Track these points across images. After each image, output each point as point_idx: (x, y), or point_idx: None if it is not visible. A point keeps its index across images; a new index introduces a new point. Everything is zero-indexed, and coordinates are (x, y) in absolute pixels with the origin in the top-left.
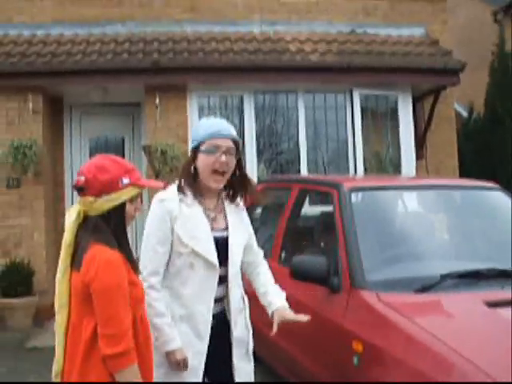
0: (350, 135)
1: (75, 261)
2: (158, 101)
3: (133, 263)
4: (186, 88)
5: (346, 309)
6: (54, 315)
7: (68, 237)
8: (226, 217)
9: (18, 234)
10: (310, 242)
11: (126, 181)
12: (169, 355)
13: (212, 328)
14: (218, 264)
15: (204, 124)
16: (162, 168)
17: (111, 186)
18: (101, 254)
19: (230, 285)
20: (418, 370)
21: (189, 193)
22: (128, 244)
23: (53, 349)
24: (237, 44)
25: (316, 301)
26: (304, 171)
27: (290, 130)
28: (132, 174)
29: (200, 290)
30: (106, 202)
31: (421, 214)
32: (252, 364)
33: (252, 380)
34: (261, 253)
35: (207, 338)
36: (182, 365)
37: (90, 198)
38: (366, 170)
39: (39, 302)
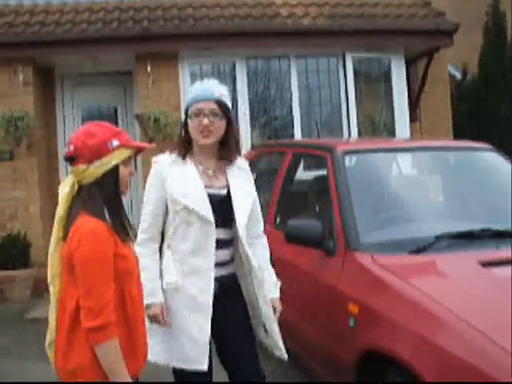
0: (343, 99)
1: (65, 231)
2: (149, 69)
3: (124, 234)
4: (178, 55)
5: (342, 271)
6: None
7: (60, 210)
8: (226, 177)
9: (13, 207)
10: (304, 205)
11: (115, 143)
12: (146, 309)
13: (223, 291)
14: (212, 219)
15: (192, 88)
16: (156, 136)
17: (101, 150)
18: (85, 224)
19: (239, 244)
20: (413, 331)
21: (187, 155)
22: (120, 213)
23: None
24: (227, 10)
25: (311, 264)
26: (298, 136)
27: (283, 95)
28: (120, 135)
29: (198, 245)
30: (99, 167)
31: (415, 176)
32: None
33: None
34: (261, 224)
35: (210, 293)
36: (153, 320)
37: (82, 166)
38: (359, 133)
39: (37, 273)
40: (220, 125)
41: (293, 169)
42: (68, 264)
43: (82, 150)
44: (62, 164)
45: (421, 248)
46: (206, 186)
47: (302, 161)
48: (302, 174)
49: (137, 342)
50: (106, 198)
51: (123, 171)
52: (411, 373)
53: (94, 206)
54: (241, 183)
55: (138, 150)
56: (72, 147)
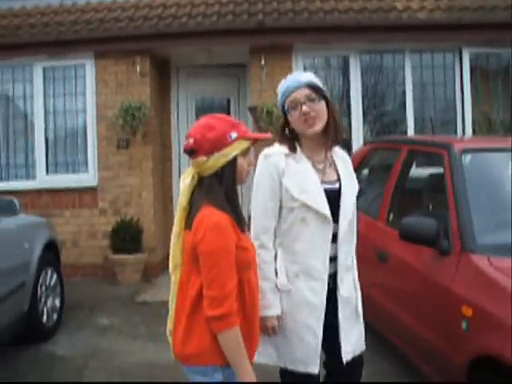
0: (458, 95)
1: (188, 221)
2: (263, 62)
3: (242, 225)
4: (291, 48)
5: (456, 272)
6: (160, 272)
7: (182, 200)
8: (336, 169)
9: (127, 194)
10: (418, 203)
11: (234, 135)
12: (263, 320)
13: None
14: (331, 217)
15: (279, 87)
16: (268, 128)
17: (221, 142)
18: (210, 216)
19: (339, 240)
20: None
21: (296, 149)
22: (239, 204)
23: (160, 303)
24: (342, 3)
25: (424, 263)
26: (410, 132)
27: (396, 91)
28: (239, 127)
29: (313, 245)
30: (219, 159)
31: None
32: (361, 325)
33: (360, 342)
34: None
35: (324, 296)
36: (270, 332)
37: (202, 158)
38: (474, 131)
39: (147, 258)
40: (320, 107)
41: (407, 165)
42: (192, 253)
43: (202, 142)
44: (174, 153)
45: None
46: (321, 182)
47: (417, 158)
48: (417, 171)
49: (253, 329)
50: (226, 189)
51: (242, 162)
52: None
53: (216, 198)
54: (348, 175)
55: (254, 142)
56: (191, 140)
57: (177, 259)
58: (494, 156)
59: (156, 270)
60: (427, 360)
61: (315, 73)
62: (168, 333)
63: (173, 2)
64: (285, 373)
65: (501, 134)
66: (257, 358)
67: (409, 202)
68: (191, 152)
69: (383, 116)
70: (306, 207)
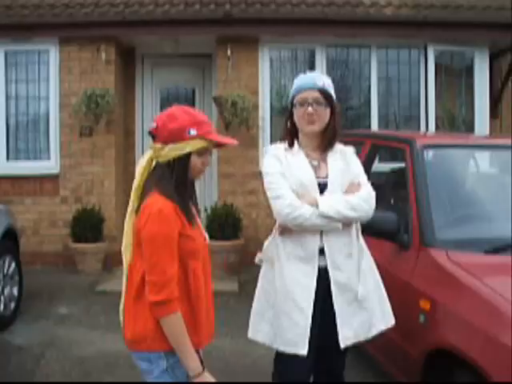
0: (422, 92)
1: (138, 205)
2: (229, 52)
3: (189, 216)
4: (258, 40)
5: (415, 266)
6: (122, 261)
7: (137, 180)
8: (327, 166)
9: (89, 182)
10: (380, 197)
11: (193, 132)
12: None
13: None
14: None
15: (296, 80)
16: (233, 119)
17: (178, 135)
18: (154, 203)
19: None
20: (485, 332)
21: (294, 144)
22: (187, 197)
23: (120, 293)
24: None
25: (385, 257)
26: (374, 127)
27: (361, 85)
28: (201, 126)
29: (304, 232)
30: (171, 151)
31: (494, 175)
32: (367, 312)
33: (364, 329)
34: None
35: (314, 278)
36: None
37: (158, 145)
38: (437, 127)
39: (108, 247)
40: (324, 113)
41: (370, 160)
42: (137, 238)
43: (161, 130)
44: (138, 142)
45: (497, 248)
46: (316, 177)
47: (380, 152)
48: (379, 166)
49: (199, 317)
50: (175, 181)
51: (196, 160)
52: (479, 372)
53: (164, 187)
54: (341, 168)
55: (219, 144)
56: (154, 125)
57: (128, 238)
58: (456, 152)
59: (117, 259)
60: (386, 354)
61: (281, 65)
62: (120, 312)
63: None
64: (277, 358)
65: (463, 131)
66: (255, 336)
67: None
68: (152, 136)
69: (348, 110)
70: (299, 197)
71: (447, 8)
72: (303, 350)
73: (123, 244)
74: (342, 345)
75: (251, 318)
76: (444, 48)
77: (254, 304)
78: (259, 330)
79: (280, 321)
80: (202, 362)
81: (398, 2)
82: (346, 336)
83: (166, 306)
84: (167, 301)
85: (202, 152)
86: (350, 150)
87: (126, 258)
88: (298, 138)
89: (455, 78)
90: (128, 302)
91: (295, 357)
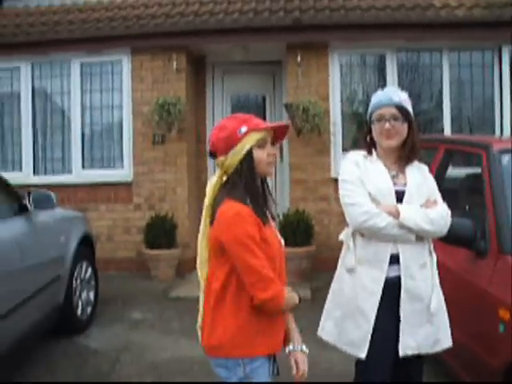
0: (497, 95)
1: (212, 217)
2: (299, 59)
3: (264, 218)
4: (328, 45)
5: (493, 274)
6: (194, 268)
7: (207, 199)
8: (405, 175)
9: (162, 189)
10: (455, 204)
11: (243, 129)
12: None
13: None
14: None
15: (373, 96)
16: (304, 126)
17: (232, 140)
18: (230, 208)
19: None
20: None
21: (373, 153)
22: (260, 197)
23: (193, 299)
24: (379, 0)
25: (461, 264)
26: (447, 131)
27: (432, 89)
28: (249, 121)
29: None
30: (235, 155)
31: None
32: (435, 326)
33: (429, 342)
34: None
35: (381, 283)
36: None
37: (221, 158)
38: None
39: (181, 254)
40: (402, 128)
41: (444, 165)
42: (215, 247)
43: (217, 143)
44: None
45: None
46: (393, 184)
47: (454, 157)
48: (453, 171)
49: (275, 321)
50: (245, 183)
51: (259, 154)
52: None
53: (236, 193)
54: (418, 179)
55: (279, 133)
56: (211, 143)
57: (203, 256)
58: None
59: (190, 265)
60: (463, 364)
61: (351, 70)
62: (198, 328)
63: None
64: (357, 368)
65: None
66: (321, 333)
67: (446, 202)
68: (213, 155)
69: (419, 115)
70: (376, 203)
71: None
72: (362, 354)
73: (198, 260)
74: (401, 353)
75: (322, 316)
76: None
77: (326, 303)
78: (325, 327)
79: (344, 322)
80: (278, 370)
81: (470, 2)
82: (408, 345)
83: (277, 299)
84: (275, 296)
85: (261, 144)
86: (426, 168)
87: (202, 275)
88: (376, 150)
89: None
90: (207, 310)
91: (377, 363)
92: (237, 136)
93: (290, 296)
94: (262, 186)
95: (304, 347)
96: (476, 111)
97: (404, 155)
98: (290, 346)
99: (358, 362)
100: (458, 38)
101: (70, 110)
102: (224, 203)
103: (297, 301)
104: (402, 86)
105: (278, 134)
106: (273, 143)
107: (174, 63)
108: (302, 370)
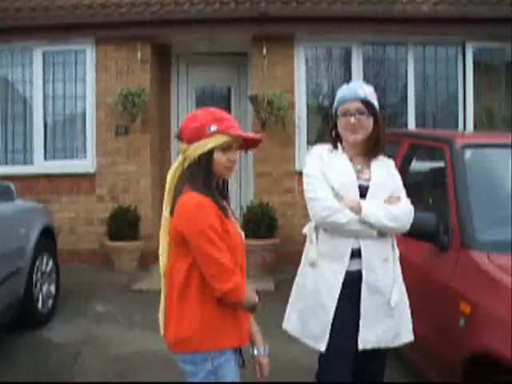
0: (460, 90)
1: (172, 207)
2: (264, 51)
3: (224, 210)
4: (293, 38)
5: (455, 268)
6: (157, 260)
7: (168, 184)
8: (370, 170)
9: (125, 180)
10: (418, 198)
11: (213, 128)
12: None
13: (349, 281)
14: None
15: (338, 91)
16: (268, 118)
17: (199, 133)
18: (191, 199)
19: None
20: None
21: (338, 147)
22: (216, 193)
23: (156, 292)
24: None
25: (423, 258)
26: (412, 126)
27: (397, 83)
28: (221, 122)
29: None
30: (196, 149)
31: None
32: (395, 320)
33: (389, 336)
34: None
35: (341, 278)
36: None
37: (184, 146)
38: (475, 126)
39: (144, 246)
40: (367, 123)
41: (408, 159)
42: (175, 238)
43: (185, 131)
44: (173, 141)
45: None
46: (357, 178)
47: (418, 152)
48: (417, 166)
49: (238, 314)
50: (203, 177)
51: (219, 156)
52: None
53: (196, 184)
54: (383, 174)
55: (248, 143)
56: (180, 128)
57: (165, 242)
58: (495, 152)
59: (153, 257)
60: (424, 356)
61: (317, 63)
62: (160, 322)
63: None
64: (320, 361)
65: (502, 130)
66: (286, 326)
67: (409, 196)
68: (179, 138)
69: (384, 108)
70: (339, 197)
71: (486, 3)
72: (322, 347)
73: (160, 248)
74: (361, 347)
75: (287, 308)
76: (483, 45)
77: (290, 296)
78: (289, 320)
79: (307, 315)
80: (243, 362)
81: None
82: (367, 339)
83: (237, 291)
84: (235, 287)
85: (226, 148)
86: (392, 163)
87: (163, 262)
88: (341, 144)
89: (494, 76)
90: (170, 303)
91: (337, 356)
92: (204, 132)
93: (251, 295)
94: (223, 185)
95: (267, 350)
96: (440, 106)
97: (369, 149)
98: (255, 351)
99: (321, 355)
100: (423, 32)
101: (31, 99)
102: (184, 194)
103: (256, 301)
104: (367, 79)
105: (247, 144)
106: (240, 148)
107: (139, 54)
108: (265, 377)
